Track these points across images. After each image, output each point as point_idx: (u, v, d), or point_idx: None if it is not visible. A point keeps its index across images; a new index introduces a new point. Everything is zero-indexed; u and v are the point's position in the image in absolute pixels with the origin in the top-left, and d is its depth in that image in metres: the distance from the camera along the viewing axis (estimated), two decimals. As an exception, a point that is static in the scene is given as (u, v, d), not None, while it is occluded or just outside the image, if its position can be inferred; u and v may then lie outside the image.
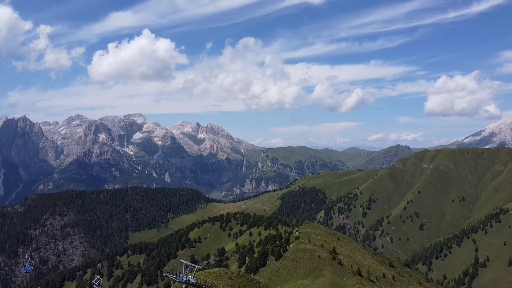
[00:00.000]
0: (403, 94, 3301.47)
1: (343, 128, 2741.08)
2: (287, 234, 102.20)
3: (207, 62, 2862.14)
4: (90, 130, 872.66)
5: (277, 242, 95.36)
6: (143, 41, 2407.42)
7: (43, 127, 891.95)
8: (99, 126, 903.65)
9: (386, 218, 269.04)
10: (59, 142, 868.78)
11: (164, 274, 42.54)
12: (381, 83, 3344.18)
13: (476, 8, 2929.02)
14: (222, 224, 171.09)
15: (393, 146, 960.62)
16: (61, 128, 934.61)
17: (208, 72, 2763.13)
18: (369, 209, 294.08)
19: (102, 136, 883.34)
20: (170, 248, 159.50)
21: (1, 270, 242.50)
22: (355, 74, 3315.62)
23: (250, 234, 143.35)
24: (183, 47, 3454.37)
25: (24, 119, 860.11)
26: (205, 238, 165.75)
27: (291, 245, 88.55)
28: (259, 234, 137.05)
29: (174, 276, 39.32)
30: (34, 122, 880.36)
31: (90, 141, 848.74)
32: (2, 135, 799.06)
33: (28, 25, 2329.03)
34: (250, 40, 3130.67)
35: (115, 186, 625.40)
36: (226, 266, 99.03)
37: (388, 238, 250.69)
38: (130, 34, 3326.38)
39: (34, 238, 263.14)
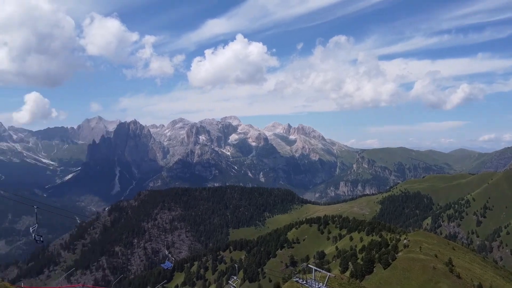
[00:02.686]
0: None
1: (447, 128, 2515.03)
2: (393, 241, 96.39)
3: (298, 63, 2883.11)
4: (192, 132, 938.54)
5: (383, 249, 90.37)
6: (237, 46, 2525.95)
7: (151, 130, 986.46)
8: (199, 128, 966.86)
9: (505, 227, 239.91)
10: (165, 143, 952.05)
11: (294, 279, 42.74)
12: (491, 77, 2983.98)
13: None
14: (319, 226, 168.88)
15: (508, 148, 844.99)
16: (167, 131, 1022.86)
17: (299, 72, 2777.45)
18: (484, 217, 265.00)
19: (202, 138, 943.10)
20: (270, 247, 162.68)
21: (118, 258, 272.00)
22: (459, 69, 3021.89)
23: (351, 238, 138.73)
24: (274, 50, 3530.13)
25: (135, 122, 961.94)
26: (303, 240, 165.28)
27: (399, 254, 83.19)
28: (361, 239, 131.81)
29: (305, 282, 39.17)
30: (143, 125, 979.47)
31: (191, 142, 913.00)
32: (117, 137, 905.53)
33: (134, 36, 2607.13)
34: (342, 38, 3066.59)
35: (215, 184, 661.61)
36: (328, 270, 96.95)
37: (507, 250, 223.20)
38: (225, 40, 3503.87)
39: (146, 231, 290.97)
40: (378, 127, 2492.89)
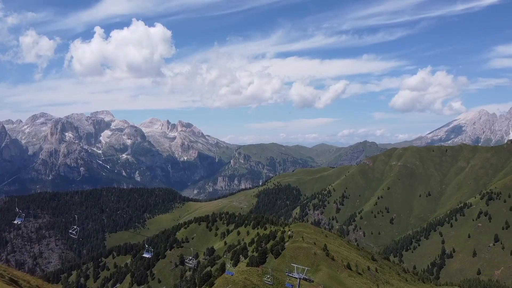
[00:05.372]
0: (386, 89, 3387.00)
1: (317, 124, 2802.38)
2: (279, 233, 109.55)
3: (196, 55, 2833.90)
4: (56, 129, 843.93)
5: (272, 241, 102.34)
6: (134, 31, 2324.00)
7: (6, 126, 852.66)
8: (65, 124, 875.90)
9: (359, 213, 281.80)
10: (23, 142, 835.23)
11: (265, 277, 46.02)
12: (367, 78, 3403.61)
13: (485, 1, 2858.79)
14: (208, 224, 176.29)
15: (360, 142, 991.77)
16: (25, 127, 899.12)
17: (196, 65, 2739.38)
18: (342, 204, 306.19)
19: (69, 135, 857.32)
20: (159, 249, 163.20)
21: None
22: (341, 69, 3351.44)
23: (238, 233, 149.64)
24: (173, 40, 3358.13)
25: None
26: (192, 238, 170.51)
27: (286, 243, 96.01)
28: (248, 233, 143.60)
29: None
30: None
31: (56, 140, 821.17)
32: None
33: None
34: (246, 33, 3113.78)
35: (84, 186, 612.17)
36: (223, 265, 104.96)
37: (361, 232, 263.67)
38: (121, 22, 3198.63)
39: (9, 241, 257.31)
40: (257, 124, 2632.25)
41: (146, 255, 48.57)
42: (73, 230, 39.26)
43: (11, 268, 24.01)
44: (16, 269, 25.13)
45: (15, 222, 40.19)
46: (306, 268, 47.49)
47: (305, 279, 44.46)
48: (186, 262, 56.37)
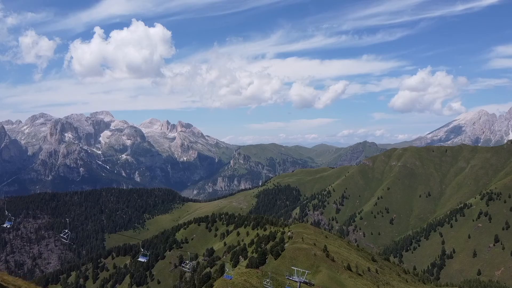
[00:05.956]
0: (386, 89, 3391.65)
1: (317, 124, 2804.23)
2: (279, 233, 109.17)
3: (196, 56, 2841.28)
4: (56, 129, 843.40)
5: (271, 242, 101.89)
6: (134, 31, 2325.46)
7: (5, 126, 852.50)
8: (65, 125, 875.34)
9: (359, 213, 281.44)
10: (22, 142, 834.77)
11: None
12: (366, 78, 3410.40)
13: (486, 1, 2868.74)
14: (207, 224, 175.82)
15: (360, 143, 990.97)
16: (25, 127, 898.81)
17: (196, 66, 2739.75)
18: (342, 205, 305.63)
19: (69, 135, 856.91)
20: (158, 249, 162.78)
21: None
22: (342, 69, 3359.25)
23: (238, 234, 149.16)
24: (173, 40, 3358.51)
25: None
26: (192, 239, 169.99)
27: (286, 244, 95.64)
28: (247, 233, 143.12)
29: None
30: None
31: (56, 140, 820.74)
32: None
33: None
34: (245, 33, 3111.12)
35: (83, 186, 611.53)
36: (222, 266, 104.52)
37: (361, 233, 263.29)
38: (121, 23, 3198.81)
39: (8, 242, 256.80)
40: (257, 124, 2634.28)
41: (141, 259, 47.91)
42: (64, 234, 38.71)
43: (2, 272, 23.47)
44: (7, 273, 24.56)
45: (5, 225, 39.69)
46: (307, 271, 46.94)
47: (306, 283, 43.95)
48: (182, 266, 55.60)
